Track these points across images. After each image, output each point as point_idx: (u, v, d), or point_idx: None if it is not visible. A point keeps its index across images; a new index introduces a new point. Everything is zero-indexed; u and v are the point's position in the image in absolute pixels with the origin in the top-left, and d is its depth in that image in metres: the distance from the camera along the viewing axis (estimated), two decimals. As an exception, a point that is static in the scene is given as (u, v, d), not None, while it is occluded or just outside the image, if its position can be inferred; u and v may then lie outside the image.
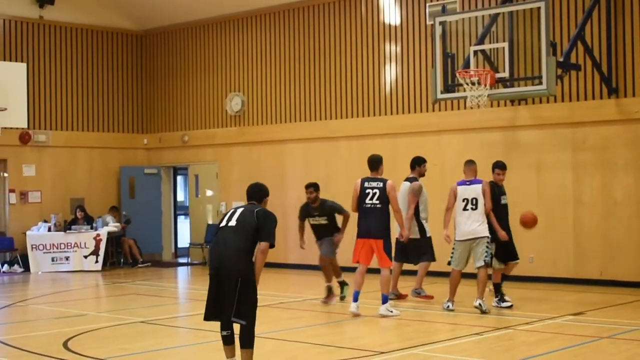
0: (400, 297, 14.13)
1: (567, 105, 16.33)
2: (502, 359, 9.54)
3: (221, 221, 8.66)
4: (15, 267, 20.53)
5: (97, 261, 20.56)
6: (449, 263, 13.07)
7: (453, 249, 13.04)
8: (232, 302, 8.24)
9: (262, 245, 8.37)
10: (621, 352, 9.89)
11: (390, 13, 18.78)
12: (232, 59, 21.74)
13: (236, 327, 8.40)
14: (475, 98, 14.97)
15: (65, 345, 10.65)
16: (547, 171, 16.54)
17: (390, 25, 18.77)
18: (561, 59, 14.94)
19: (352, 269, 13.52)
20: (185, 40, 22.88)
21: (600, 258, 15.93)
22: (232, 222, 8.49)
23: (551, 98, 16.17)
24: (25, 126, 20.50)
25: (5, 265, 20.55)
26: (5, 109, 19.43)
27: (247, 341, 8.35)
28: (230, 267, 8.31)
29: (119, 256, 21.87)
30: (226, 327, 8.47)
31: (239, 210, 8.59)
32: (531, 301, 13.56)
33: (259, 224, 8.40)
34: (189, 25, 22.62)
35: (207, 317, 8.51)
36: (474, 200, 12.82)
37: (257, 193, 8.79)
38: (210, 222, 21.92)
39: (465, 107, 16.32)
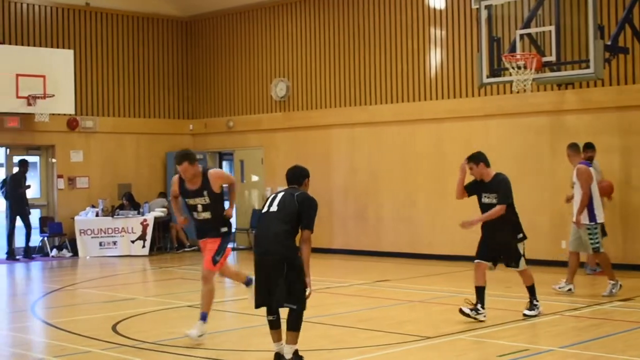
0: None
1: (614, 89, 16.14)
2: (549, 344, 9.48)
3: (263, 206, 8.71)
4: (64, 251, 20.77)
5: (144, 246, 20.74)
6: (598, 249, 12.88)
7: (594, 232, 12.85)
8: (281, 287, 8.26)
9: (304, 234, 8.39)
10: (671, 338, 9.81)
11: (436, -3, 18.68)
12: (277, 45, 21.75)
13: (283, 311, 8.44)
14: (521, 82, 14.85)
15: (114, 328, 10.77)
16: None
17: (435, 9, 18.65)
18: (609, 42, 14.76)
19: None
20: (230, 26, 22.92)
21: (650, 243, 15.77)
22: (274, 207, 8.52)
23: (598, 82, 15.99)
24: (73, 112, 20.73)
25: (54, 250, 20.79)
26: (53, 95, 19.69)
27: (295, 324, 8.37)
28: (275, 252, 8.34)
29: (166, 241, 22.03)
30: (272, 311, 8.49)
31: (280, 195, 8.62)
32: (579, 287, 13.44)
33: (300, 209, 8.42)
34: (233, 11, 22.66)
35: (258, 304, 8.53)
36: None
37: (297, 176, 8.80)
38: (255, 207, 21.99)
39: (511, 92, 16.18)
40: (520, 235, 11.12)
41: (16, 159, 21.09)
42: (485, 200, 11.18)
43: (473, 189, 11.35)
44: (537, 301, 11.22)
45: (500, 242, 11.09)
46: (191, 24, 23.83)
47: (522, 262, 11.11)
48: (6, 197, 20.20)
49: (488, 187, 11.14)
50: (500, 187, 11.09)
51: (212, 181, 10.07)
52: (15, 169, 20.42)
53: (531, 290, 11.26)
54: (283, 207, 8.46)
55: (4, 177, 20.96)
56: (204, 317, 9.92)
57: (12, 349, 10.02)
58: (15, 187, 20.01)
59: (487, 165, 11.19)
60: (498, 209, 10.96)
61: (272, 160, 21.62)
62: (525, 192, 17.04)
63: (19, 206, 20.03)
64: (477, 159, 11.21)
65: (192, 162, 9.97)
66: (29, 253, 20.29)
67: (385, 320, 11.40)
